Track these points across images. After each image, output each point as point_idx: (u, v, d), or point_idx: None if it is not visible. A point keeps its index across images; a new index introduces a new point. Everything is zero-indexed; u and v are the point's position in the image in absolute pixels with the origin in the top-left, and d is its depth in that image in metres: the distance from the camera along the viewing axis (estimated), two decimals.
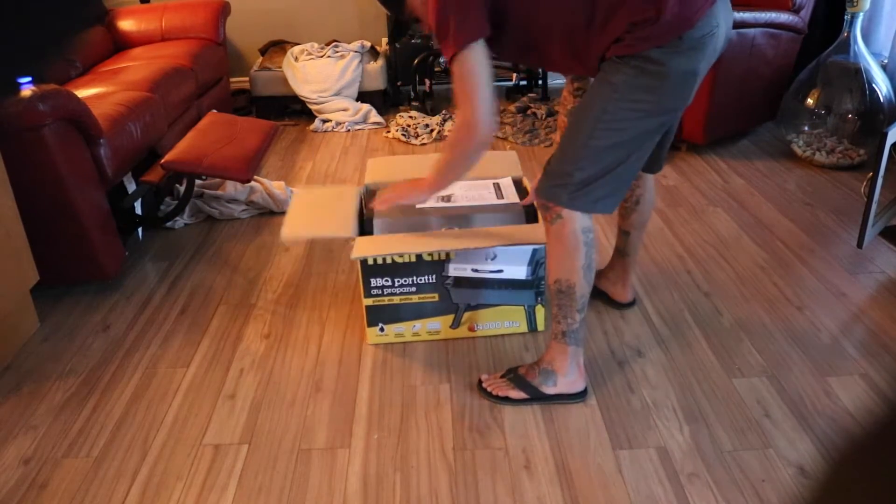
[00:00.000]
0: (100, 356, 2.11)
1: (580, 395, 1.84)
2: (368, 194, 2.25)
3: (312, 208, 2.19)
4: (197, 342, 2.16)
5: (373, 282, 2.01)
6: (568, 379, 1.82)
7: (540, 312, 2.09)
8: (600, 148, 1.61)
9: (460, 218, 2.08)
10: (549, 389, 1.82)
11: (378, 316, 2.07)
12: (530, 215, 2.10)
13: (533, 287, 2.04)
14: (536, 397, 1.83)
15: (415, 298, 2.03)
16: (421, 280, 2.01)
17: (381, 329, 2.09)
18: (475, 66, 1.61)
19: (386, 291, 2.03)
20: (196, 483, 1.65)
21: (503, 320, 2.09)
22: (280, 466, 1.68)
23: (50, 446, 1.78)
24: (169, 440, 1.78)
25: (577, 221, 1.65)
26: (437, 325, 2.08)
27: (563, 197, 1.64)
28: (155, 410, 1.88)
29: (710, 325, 2.14)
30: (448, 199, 2.16)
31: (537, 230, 2.01)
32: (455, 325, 2.09)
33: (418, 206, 2.11)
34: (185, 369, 2.04)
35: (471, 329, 2.10)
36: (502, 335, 2.11)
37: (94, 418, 1.86)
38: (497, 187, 2.23)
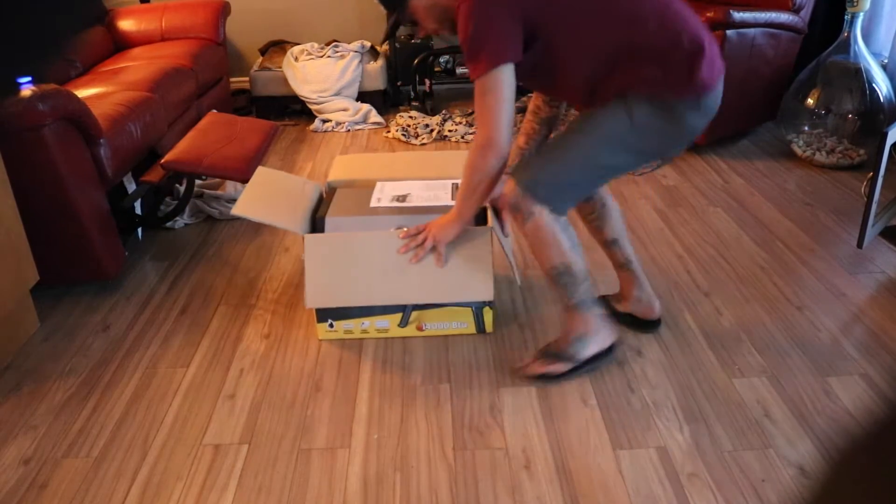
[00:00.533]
0: (100, 356, 2.12)
1: (614, 348, 1.94)
2: (329, 191, 2.27)
3: (271, 192, 2.17)
4: (197, 342, 2.16)
5: None
6: (599, 336, 1.91)
7: (488, 314, 2.09)
8: (597, 166, 1.73)
9: (413, 218, 2.08)
10: (587, 352, 1.91)
11: (327, 312, 2.09)
12: (479, 217, 2.07)
13: None
14: (579, 364, 1.91)
15: None
16: None
17: (331, 325, 2.11)
18: (504, 88, 1.66)
19: None
20: (196, 483, 1.65)
21: (451, 321, 2.10)
22: (280, 466, 1.68)
23: (50, 446, 1.78)
24: (169, 440, 1.78)
25: (546, 213, 1.74)
26: (386, 324, 2.10)
27: (541, 193, 1.72)
28: (155, 410, 1.88)
29: (710, 325, 2.14)
30: (403, 199, 2.15)
31: (482, 279, 2.00)
32: (403, 324, 2.10)
33: (372, 204, 2.14)
34: (185, 369, 2.04)
35: (419, 328, 2.11)
36: (451, 335, 2.11)
37: (94, 418, 1.87)
38: (455, 188, 2.21)
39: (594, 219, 2.04)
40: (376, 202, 2.15)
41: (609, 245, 2.06)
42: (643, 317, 2.10)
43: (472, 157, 1.74)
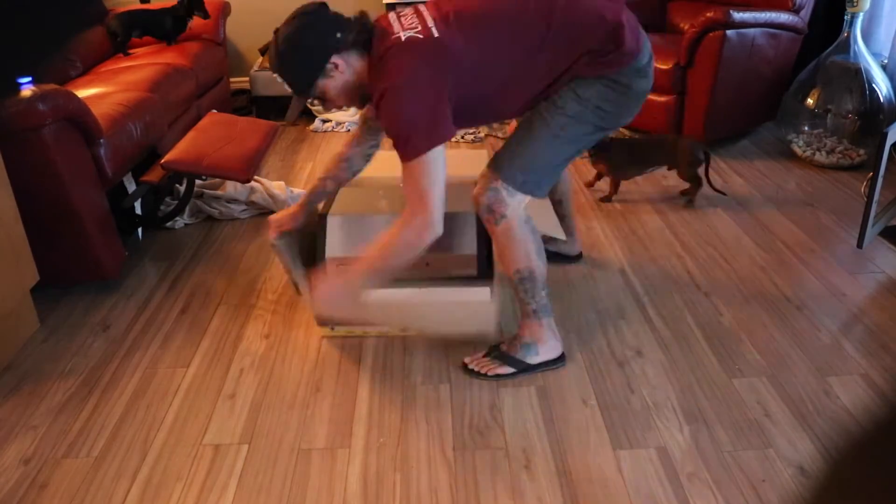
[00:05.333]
0: (100, 356, 2.11)
1: (561, 360, 1.98)
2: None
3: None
4: (197, 342, 2.16)
5: None
6: (548, 346, 1.95)
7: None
8: (563, 150, 1.83)
9: None
10: (534, 359, 1.95)
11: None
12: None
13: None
14: (523, 369, 1.94)
15: None
16: None
17: (332, 328, 2.14)
18: (437, 168, 1.66)
19: None
20: (196, 483, 1.65)
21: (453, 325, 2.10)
22: (280, 466, 1.68)
23: (50, 446, 1.78)
24: (169, 440, 1.78)
25: (518, 216, 1.81)
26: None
27: (519, 180, 1.79)
28: (155, 410, 1.88)
29: (710, 325, 2.14)
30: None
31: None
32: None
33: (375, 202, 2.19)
34: (186, 369, 2.04)
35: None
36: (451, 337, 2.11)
37: (94, 418, 1.86)
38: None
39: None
40: (380, 199, 2.17)
41: (553, 204, 2.35)
42: (566, 252, 2.48)
43: (405, 235, 1.68)
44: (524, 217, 1.82)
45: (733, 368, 1.95)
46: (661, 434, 1.73)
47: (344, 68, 1.72)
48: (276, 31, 1.75)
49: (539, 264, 1.86)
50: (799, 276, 2.38)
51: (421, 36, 1.66)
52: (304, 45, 1.71)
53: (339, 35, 1.70)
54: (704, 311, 2.21)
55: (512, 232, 1.80)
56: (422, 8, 1.76)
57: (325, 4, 1.76)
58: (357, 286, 1.76)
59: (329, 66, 1.70)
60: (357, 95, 1.78)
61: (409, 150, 1.65)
